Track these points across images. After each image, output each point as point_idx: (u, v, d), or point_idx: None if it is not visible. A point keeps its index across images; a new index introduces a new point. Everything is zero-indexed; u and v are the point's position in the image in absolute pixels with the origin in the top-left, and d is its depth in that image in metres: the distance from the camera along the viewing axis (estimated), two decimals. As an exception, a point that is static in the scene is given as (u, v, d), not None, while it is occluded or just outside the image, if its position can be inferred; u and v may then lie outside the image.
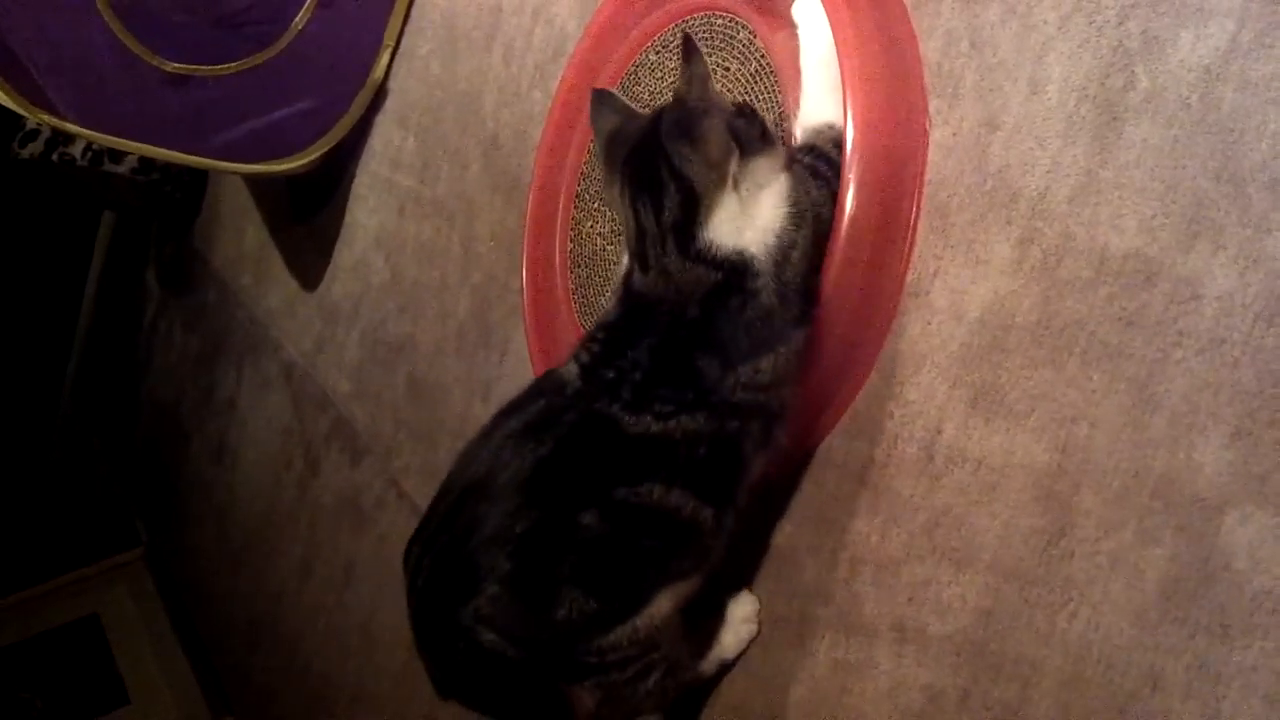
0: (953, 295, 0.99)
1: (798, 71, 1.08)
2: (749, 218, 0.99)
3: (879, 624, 1.01)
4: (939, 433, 0.98)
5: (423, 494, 1.70)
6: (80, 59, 1.70)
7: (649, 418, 0.98)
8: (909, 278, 1.03)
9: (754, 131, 1.00)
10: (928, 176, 1.03)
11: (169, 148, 1.81)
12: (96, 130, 1.75)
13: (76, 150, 2.44)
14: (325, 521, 2.00)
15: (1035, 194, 0.94)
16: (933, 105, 1.03)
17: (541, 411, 1.04)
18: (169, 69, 1.77)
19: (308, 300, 2.14)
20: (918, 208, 1.03)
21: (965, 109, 1.01)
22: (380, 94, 1.93)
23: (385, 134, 1.93)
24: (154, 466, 2.83)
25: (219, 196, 2.60)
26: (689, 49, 1.00)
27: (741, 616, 1.14)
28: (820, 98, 1.05)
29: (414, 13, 1.89)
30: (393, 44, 1.90)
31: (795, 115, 1.08)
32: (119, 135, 1.77)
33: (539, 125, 1.54)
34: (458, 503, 1.04)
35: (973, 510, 0.95)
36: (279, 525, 2.15)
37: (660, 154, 1.00)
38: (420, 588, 1.05)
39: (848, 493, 1.06)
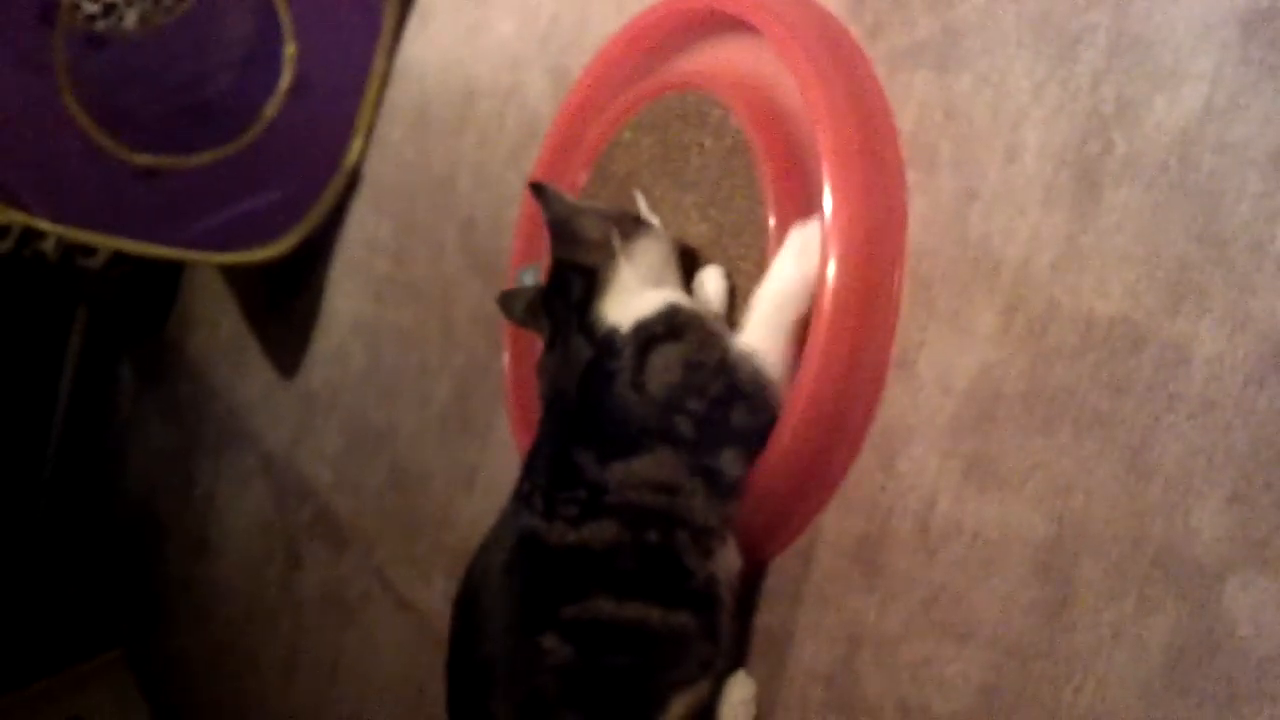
0: (939, 366, 0.98)
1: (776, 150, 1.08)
2: (634, 297, 1.07)
3: (882, 704, 0.99)
4: (933, 506, 0.97)
5: (407, 584, 1.67)
6: (47, 153, 1.70)
7: (561, 525, 1.01)
8: (894, 350, 1.02)
9: (629, 218, 1.12)
10: (909, 248, 1.02)
11: (141, 240, 1.80)
12: (67, 225, 1.74)
13: (48, 246, 2.42)
14: (309, 617, 1.96)
15: (1018, 262, 0.93)
16: (910, 177, 1.03)
17: (497, 531, 1.09)
18: (138, 161, 1.76)
19: (286, 389, 2.12)
20: (900, 280, 1.03)
21: (943, 179, 1.00)
22: (354, 179, 1.93)
23: (360, 219, 1.93)
24: (132, 563, 2.77)
25: (194, 286, 2.59)
26: (535, 190, 1.13)
27: (739, 699, 1.11)
28: (759, 331, 1.06)
29: (386, 98, 1.89)
30: (365, 130, 1.90)
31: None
32: (90, 229, 1.75)
33: (514, 206, 1.53)
34: (461, 631, 1.09)
35: (971, 584, 0.93)
36: (261, 621, 2.11)
37: (558, 269, 1.11)
38: None
39: (843, 569, 1.04)
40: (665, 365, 1.03)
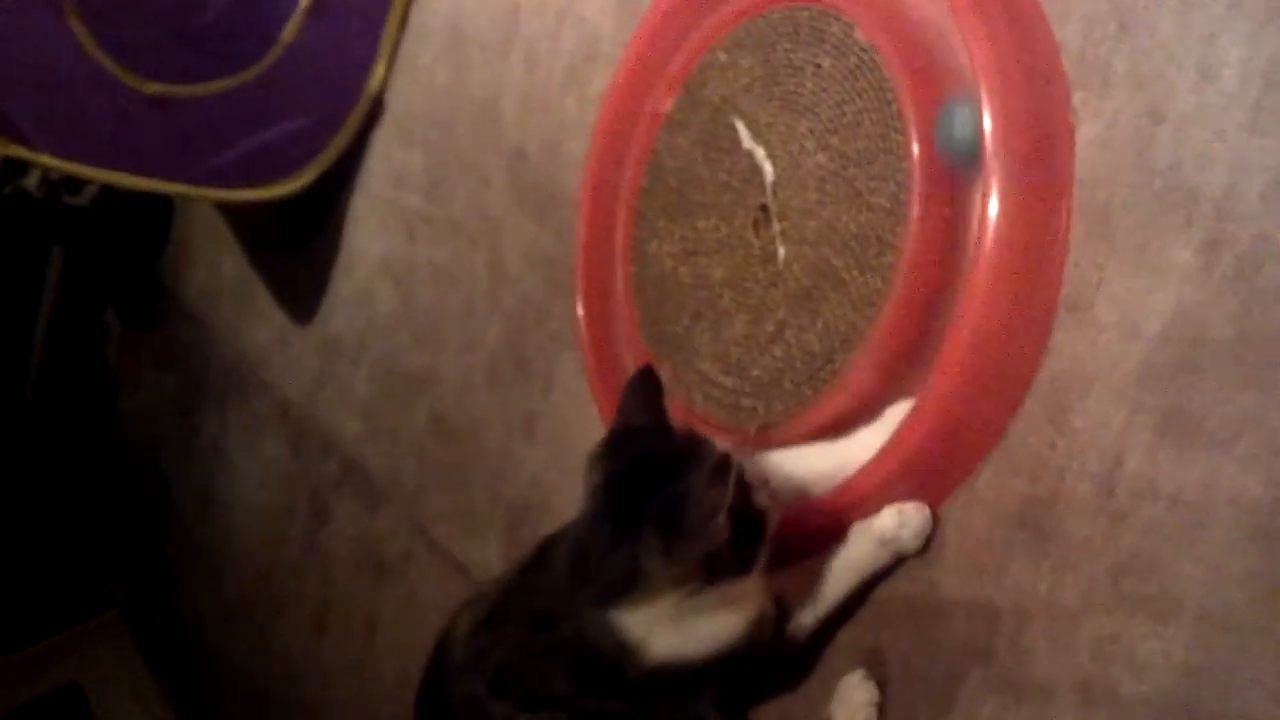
0: (1123, 308, 0.88)
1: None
2: (678, 627, 0.94)
3: (1057, 685, 0.90)
4: (1119, 465, 0.87)
5: (458, 543, 1.56)
6: (52, 82, 1.54)
7: (510, 705, 0.97)
8: (1064, 290, 0.92)
9: (736, 564, 0.93)
10: (1078, 175, 0.92)
11: (151, 176, 1.66)
12: (71, 160, 1.59)
13: (31, 182, 2.26)
14: (340, 574, 1.85)
15: (1218, 193, 0.83)
16: (1077, 97, 0.92)
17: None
18: (150, 91, 1.61)
19: (302, 334, 1.99)
20: (1068, 212, 0.92)
21: (1120, 100, 0.89)
22: (377, 108, 1.78)
23: (385, 151, 1.79)
24: (130, 519, 2.65)
25: (188, 225, 2.44)
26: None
27: (863, 700, 1.01)
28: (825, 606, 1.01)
29: (412, 19, 1.74)
30: (389, 53, 1.75)
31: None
32: (95, 165, 1.61)
33: (574, 135, 1.41)
34: None
35: (1170, 553, 0.84)
36: (284, 579, 2.00)
37: (638, 509, 0.92)
38: None
39: (1004, 535, 0.94)
40: None
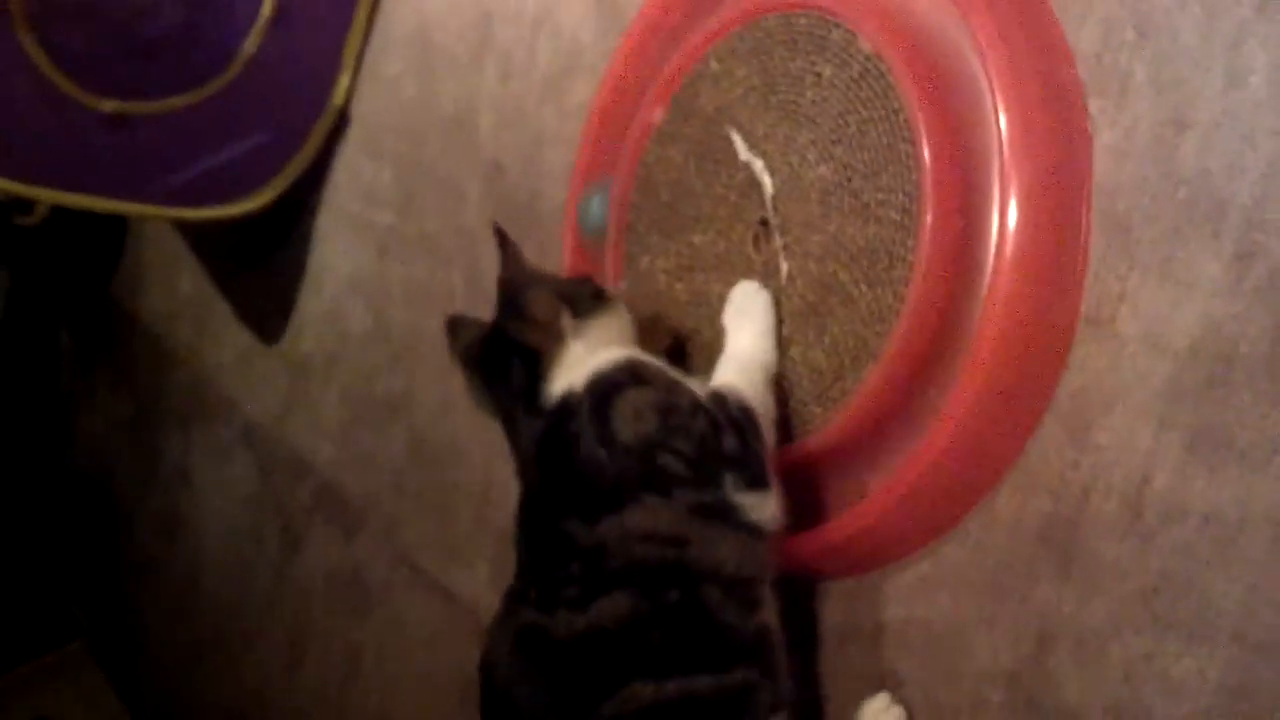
0: (1148, 322, 0.85)
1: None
2: (584, 365, 0.96)
3: (1087, 709, 0.88)
4: (1147, 483, 0.85)
5: (444, 570, 1.52)
6: (7, 107, 1.48)
7: (565, 612, 0.88)
8: (1085, 303, 0.89)
9: (586, 292, 1.01)
10: (1097, 185, 0.89)
11: (108, 197, 1.60)
12: (24, 182, 1.52)
13: (-21, 204, 2.19)
14: (317, 604, 1.79)
15: (1249, 202, 0.81)
16: (1094, 104, 0.90)
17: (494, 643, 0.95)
18: (107, 108, 1.54)
19: (268, 355, 1.93)
20: (1087, 222, 0.89)
21: (1139, 107, 0.87)
22: (342, 121, 1.73)
23: (352, 166, 1.74)
24: (90, 547, 2.57)
25: (143, 242, 2.36)
26: (500, 238, 1.06)
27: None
28: (730, 376, 1.00)
29: (376, 28, 1.69)
30: (353, 65, 1.70)
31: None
32: (51, 187, 1.54)
33: (554, 148, 1.37)
34: None
35: (1204, 573, 0.82)
36: (257, 607, 1.94)
37: (500, 338, 1.00)
38: None
39: (1026, 556, 0.92)
40: (635, 413, 0.92)
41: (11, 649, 2.51)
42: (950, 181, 0.91)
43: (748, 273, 1.07)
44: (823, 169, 1.02)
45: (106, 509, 2.47)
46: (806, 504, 1.02)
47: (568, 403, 0.94)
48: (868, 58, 0.98)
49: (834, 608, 1.05)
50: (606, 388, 0.94)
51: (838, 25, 1.01)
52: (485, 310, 1.42)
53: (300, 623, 1.83)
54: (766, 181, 1.06)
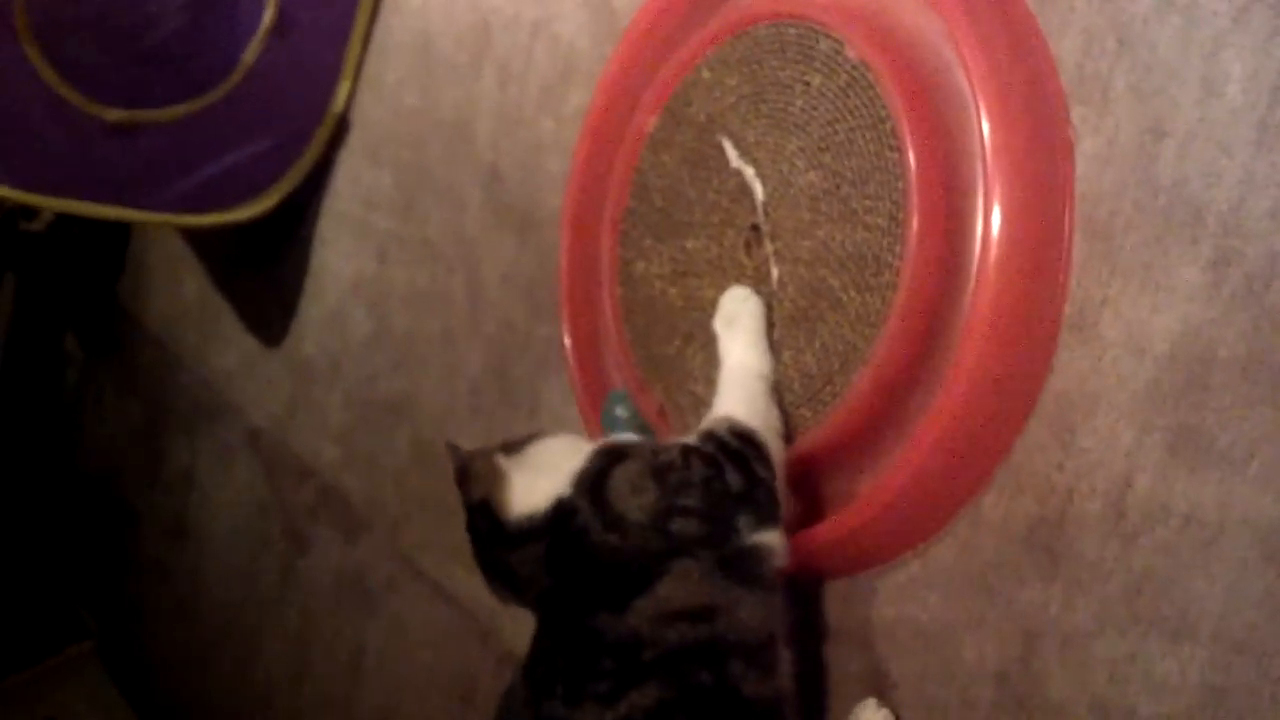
0: (1129, 327, 0.87)
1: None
2: (542, 482, 0.95)
3: (1071, 705, 0.89)
4: (1129, 485, 0.86)
5: (446, 573, 1.53)
6: (9, 111, 1.50)
7: (593, 706, 0.86)
8: (1067, 309, 0.91)
9: (520, 438, 1.01)
10: (1079, 192, 0.91)
11: (114, 205, 1.62)
12: (30, 191, 1.55)
13: (-15, 211, 2.21)
14: (321, 605, 1.81)
15: (1226, 209, 0.82)
16: (1075, 112, 0.91)
17: None
18: (111, 118, 1.56)
19: (271, 358, 1.95)
20: (1069, 229, 0.91)
21: (1120, 115, 0.89)
22: (342, 128, 1.75)
23: (353, 171, 1.75)
24: (97, 549, 2.59)
25: (147, 247, 2.38)
26: (452, 451, 1.03)
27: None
28: (728, 400, 1.00)
29: (375, 36, 1.71)
30: (353, 72, 1.72)
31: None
32: (57, 195, 1.56)
33: (552, 155, 1.39)
34: None
35: (1184, 573, 0.83)
36: (262, 610, 1.96)
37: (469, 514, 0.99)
38: None
39: (1012, 557, 0.93)
40: (632, 487, 0.92)
41: (19, 652, 2.53)
42: (935, 189, 0.93)
43: (740, 278, 1.09)
44: (812, 176, 1.03)
45: (113, 512, 2.49)
46: (798, 505, 1.04)
47: (561, 509, 0.93)
48: (855, 67, 1.00)
49: (826, 608, 1.07)
50: (594, 477, 0.93)
51: (826, 35, 1.02)
52: (490, 324, 1.44)
53: (305, 624, 1.85)
54: (757, 188, 1.08)
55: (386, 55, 1.70)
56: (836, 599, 1.06)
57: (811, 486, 1.04)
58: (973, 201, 0.92)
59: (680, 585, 0.87)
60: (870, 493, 0.97)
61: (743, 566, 0.90)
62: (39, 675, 2.48)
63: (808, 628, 1.07)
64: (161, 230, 2.27)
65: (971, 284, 0.90)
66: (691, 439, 0.96)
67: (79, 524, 2.68)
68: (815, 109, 1.03)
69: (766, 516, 0.92)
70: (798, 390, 1.03)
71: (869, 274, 0.97)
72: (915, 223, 0.93)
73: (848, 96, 1.01)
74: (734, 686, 0.86)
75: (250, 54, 1.65)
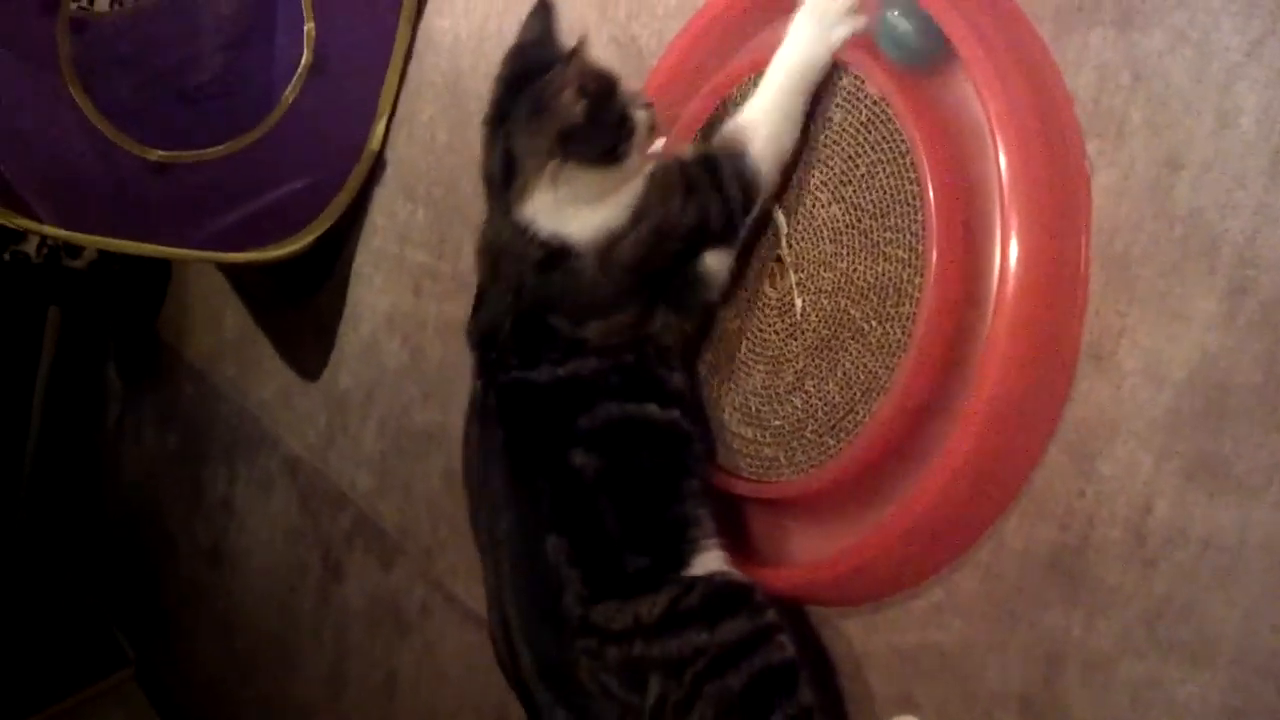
0: (1147, 355, 0.89)
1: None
2: (568, 212, 1.06)
3: (1095, 730, 0.90)
4: (1149, 511, 0.88)
5: (478, 599, 1.55)
6: (56, 152, 1.55)
7: (548, 366, 1.06)
8: (1084, 338, 0.93)
9: (596, 147, 1.06)
10: (1095, 224, 0.93)
11: (155, 243, 1.66)
12: (75, 229, 1.59)
13: (30, 248, 2.26)
14: (357, 630, 1.84)
15: (1241, 239, 0.84)
16: (1091, 145, 0.93)
17: (476, 411, 1.12)
18: (153, 157, 1.61)
19: (309, 390, 1.99)
20: (1086, 259, 0.93)
21: (1135, 148, 0.90)
22: (378, 165, 1.79)
23: (388, 207, 1.79)
24: (136, 577, 2.63)
25: (185, 284, 2.43)
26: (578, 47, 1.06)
27: None
28: (764, 105, 1.07)
29: (410, 76, 1.75)
30: (389, 110, 1.76)
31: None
32: (99, 233, 1.61)
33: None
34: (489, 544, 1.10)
35: (1204, 597, 0.84)
36: (300, 634, 1.99)
37: (512, 103, 1.09)
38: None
39: (1035, 582, 0.95)
40: (635, 240, 1.06)
41: (60, 680, 2.57)
42: (954, 221, 0.95)
43: (764, 309, 1.11)
44: (834, 209, 1.06)
45: (153, 541, 2.53)
46: (822, 533, 1.06)
47: (566, 247, 1.07)
48: (875, 103, 1.02)
49: (852, 634, 1.08)
50: (613, 239, 1.06)
51: (847, 72, 1.05)
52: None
53: (340, 649, 1.88)
54: (781, 221, 1.10)
55: (420, 94, 1.74)
56: (861, 625, 1.07)
57: (835, 513, 1.05)
58: (991, 233, 0.93)
59: (630, 316, 1.07)
60: (893, 519, 0.99)
61: (677, 295, 1.09)
62: (80, 703, 2.51)
63: (833, 654, 1.09)
64: (202, 266, 2.32)
65: (990, 314, 0.92)
66: (701, 155, 1.08)
67: (119, 553, 2.73)
68: (836, 144, 1.06)
69: (726, 234, 1.08)
70: (821, 418, 1.05)
71: (890, 304, 0.99)
72: (935, 254, 0.95)
73: (868, 131, 1.03)
74: (648, 366, 1.08)
75: (289, 94, 1.69)
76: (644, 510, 1.04)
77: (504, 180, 1.09)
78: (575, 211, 1.06)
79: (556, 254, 1.06)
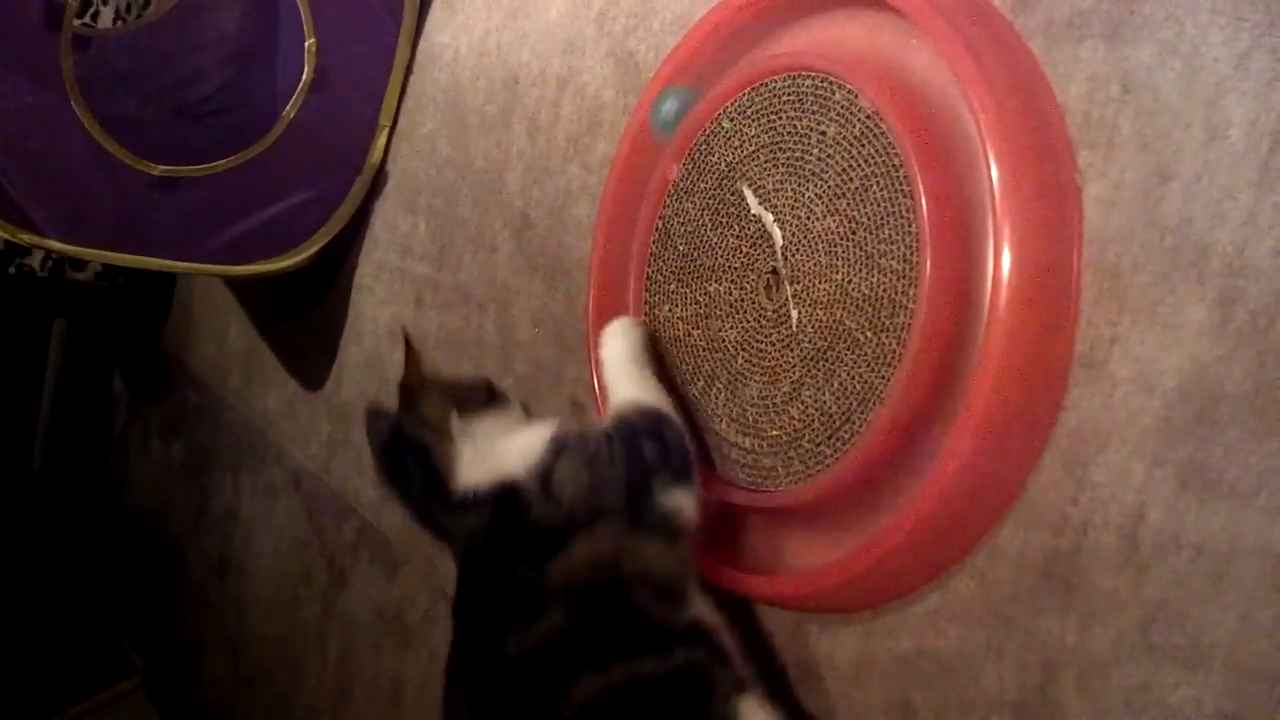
0: (1139, 364, 0.90)
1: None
2: (496, 456, 1.08)
3: (1091, 735, 0.91)
4: (1141, 518, 0.89)
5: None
6: (60, 168, 1.56)
7: (514, 638, 0.99)
8: (1077, 347, 0.94)
9: (478, 395, 1.14)
10: (1087, 235, 0.94)
11: (159, 256, 1.67)
12: (80, 245, 1.61)
13: (35, 261, 2.28)
14: (361, 639, 1.85)
15: (1230, 249, 0.85)
16: (1082, 157, 0.94)
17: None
18: (157, 172, 1.62)
19: (312, 401, 2.00)
20: (1078, 269, 0.94)
21: (1125, 159, 0.92)
22: (379, 178, 1.81)
23: (389, 220, 1.81)
24: (143, 586, 2.64)
25: (190, 295, 2.45)
26: (406, 343, 1.18)
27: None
28: (620, 386, 1.15)
29: (410, 89, 1.77)
30: (389, 124, 1.78)
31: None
32: (103, 247, 1.62)
33: (578, 201, 1.43)
34: None
35: (1197, 603, 0.85)
36: (305, 642, 2.00)
37: (399, 434, 1.12)
38: None
39: (1029, 588, 0.96)
40: (572, 473, 1.04)
41: (67, 688, 2.58)
42: (947, 233, 0.96)
43: (760, 319, 1.13)
44: (829, 221, 1.07)
45: (159, 551, 2.54)
46: (820, 541, 1.07)
47: (513, 489, 1.05)
48: (868, 116, 1.03)
49: (849, 641, 1.09)
50: (545, 468, 1.05)
51: (840, 86, 1.06)
52: (521, 364, 1.49)
53: (346, 657, 1.89)
54: (776, 234, 1.11)
55: (421, 108, 1.75)
56: (859, 632, 1.08)
57: (832, 522, 1.07)
58: (984, 244, 0.95)
59: (586, 544, 1.01)
60: (890, 527, 1.00)
61: (650, 524, 1.04)
62: (87, 712, 2.53)
63: (829, 661, 1.10)
64: (205, 279, 2.33)
65: (984, 324, 0.93)
66: (608, 426, 1.09)
67: (125, 563, 2.74)
68: (831, 157, 1.07)
69: (680, 475, 1.06)
70: (818, 428, 1.06)
71: (885, 315, 1.01)
72: (928, 266, 0.96)
73: (862, 145, 1.04)
74: (637, 609, 0.99)
75: (291, 108, 1.71)
76: None
77: (430, 480, 1.09)
78: (504, 455, 1.08)
79: (504, 497, 1.05)
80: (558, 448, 1.07)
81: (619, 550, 1.01)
